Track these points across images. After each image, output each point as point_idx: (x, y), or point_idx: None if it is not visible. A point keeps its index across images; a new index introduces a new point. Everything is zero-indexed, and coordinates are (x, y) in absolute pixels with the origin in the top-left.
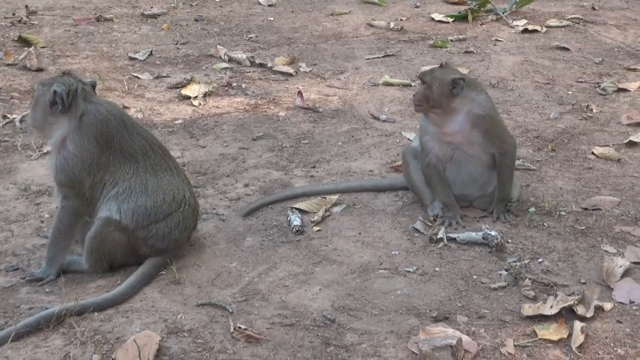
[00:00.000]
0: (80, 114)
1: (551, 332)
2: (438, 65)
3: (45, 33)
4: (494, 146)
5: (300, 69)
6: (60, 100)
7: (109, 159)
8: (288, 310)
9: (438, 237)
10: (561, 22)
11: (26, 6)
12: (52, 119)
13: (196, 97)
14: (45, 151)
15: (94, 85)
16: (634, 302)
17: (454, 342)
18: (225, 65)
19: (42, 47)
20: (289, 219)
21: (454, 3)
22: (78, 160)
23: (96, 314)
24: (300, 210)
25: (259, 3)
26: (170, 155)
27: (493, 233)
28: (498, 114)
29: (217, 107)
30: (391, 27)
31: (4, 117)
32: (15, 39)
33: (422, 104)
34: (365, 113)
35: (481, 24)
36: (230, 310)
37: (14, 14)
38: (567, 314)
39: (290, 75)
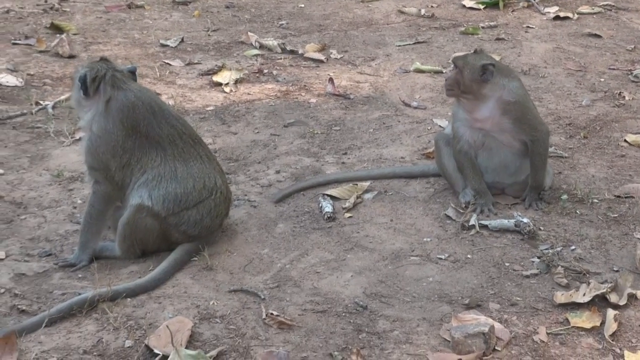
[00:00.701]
0: (107, 99)
1: (584, 320)
2: (472, 51)
3: (77, 20)
4: (525, 133)
5: (331, 56)
6: (82, 84)
7: (135, 144)
8: (320, 296)
9: (470, 224)
10: (593, 9)
11: None
12: (84, 102)
13: (227, 83)
14: (77, 137)
15: (132, 71)
16: None
17: (486, 329)
18: (256, 52)
19: (74, 34)
20: (320, 205)
21: None
22: (102, 142)
23: (129, 299)
24: (332, 197)
25: None
26: (202, 143)
27: (525, 220)
28: (530, 101)
29: (248, 93)
30: (422, 14)
31: (37, 103)
32: (48, 26)
33: (454, 89)
34: (397, 100)
35: (512, 11)
36: (262, 297)
37: (46, 1)
38: (600, 302)
39: (321, 62)
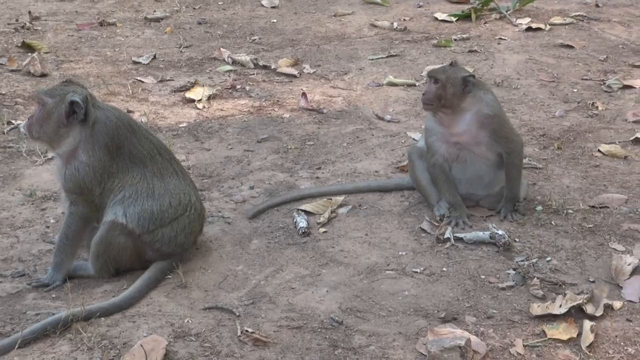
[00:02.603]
0: (92, 122)
1: (560, 331)
2: (448, 64)
3: (49, 38)
4: (500, 146)
5: (304, 71)
6: (79, 110)
7: (119, 166)
8: (295, 312)
9: (445, 237)
10: (565, 20)
11: (29, 12)
12: (64, 130)
13: (200, 100)
14: (50, 156)
15: None
16: None
17: (462, 342)
18: (229, 67)
19: (46, 53)
20: (295, 220)
21: (457, 2)
22: (90, 170)
23: (103, 319)
24: (306, 212)
25: (262, 5)
26: (176, 159)
27: (500, 232)
28: (504, 113)
29: (222, 109)
30: (394, 27)
31: (9, 123)
32: (19, 44)
33: (433, 103)
34: (370, 113)
35: (485, 23)
36: (237, 314)
37: (17, 20)
38: (577, 313)
39: (294, 76)
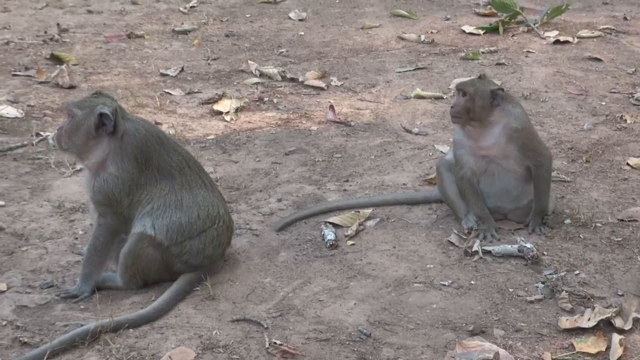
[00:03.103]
0: (121, 134)
1: (589, 345)
2: (476, 77)
3: (77, 50)
4: (529, 159)
5: (332, 83)
6: (108, 122)
7: (147, 178)
8: (323, 325)
9: (473, 250)
10: (593, 33)
11: (58, 24)
12: (93, 142)
13: (228, 112)
14: (78, 168)
15: None
16: None
17: (490, 356)
18: (256, 80)
19: (74, 65)
20: (322, 233)
21: (484, 15)
22: (119, 182)
23: (131, 330)
24: (334, 225)
25: (290, 18)
26: (204, 171)
27: (529, 245)
28: (532, 126)
29: (249, 122)
30: (422, 40)
31: (37, 134)
32: (48, 56)
33: (462, 116)
34: (398, 126)
35: (512, 36)
36: (265, 326)
37: (46, 32)
38: (605, 327)
39: (322, 89)
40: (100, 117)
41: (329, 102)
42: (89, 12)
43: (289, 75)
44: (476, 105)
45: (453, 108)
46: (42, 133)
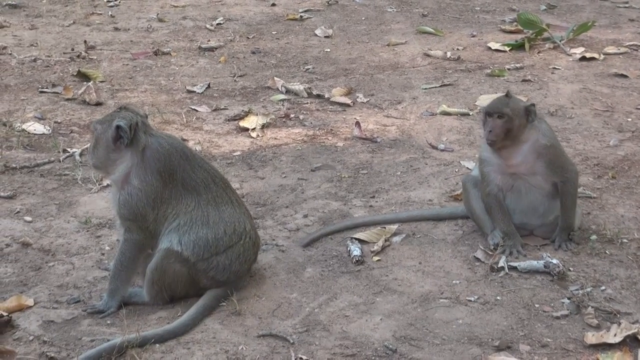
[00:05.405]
0: (142, 147)
1: None
2: (503, 95)
3: (104, 67)
4: (556, 175)
5: (358, 100)
6: (124, 134)
7: (172, 193)
8: (349, 340)
9: (499, 265)
10: (619, 50)
11: (85, 41)
12: (115, 155)
13: (254, 128)
14: (105, 184)
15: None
16: None
17: None
18: (282, 96)
19: (101, 82)
20: (348, 249)
21: (510, 32)
22: (143, 195)
23: (157, 345)
24: (360, 240)
25: (316, 35)
26: (231, 187)
27: (555, 261)
28: (559, 142)
29: (275, 138)
30: (448, 56)
31: (64, 151)
32: (75, 73)
33: (499, 138)
34: (424, 142)
35: (538, 52)
36: (292, 341)
37: (73, 49)
38: (631, 342)
39: (348, 105)
40: (117, 129)
41: (355, 118)
42: (116, 29)
43: (315, 92)
44: (514, 125)
45: (492, 132)
46: (69, 149)
